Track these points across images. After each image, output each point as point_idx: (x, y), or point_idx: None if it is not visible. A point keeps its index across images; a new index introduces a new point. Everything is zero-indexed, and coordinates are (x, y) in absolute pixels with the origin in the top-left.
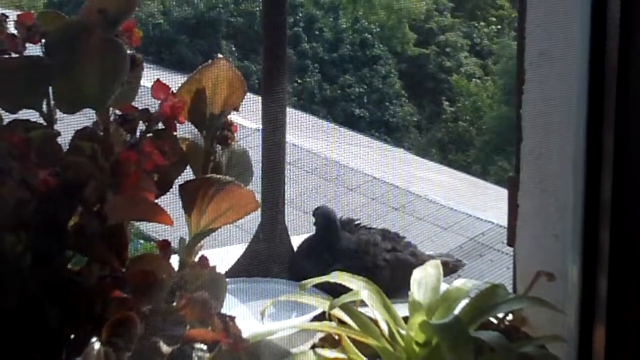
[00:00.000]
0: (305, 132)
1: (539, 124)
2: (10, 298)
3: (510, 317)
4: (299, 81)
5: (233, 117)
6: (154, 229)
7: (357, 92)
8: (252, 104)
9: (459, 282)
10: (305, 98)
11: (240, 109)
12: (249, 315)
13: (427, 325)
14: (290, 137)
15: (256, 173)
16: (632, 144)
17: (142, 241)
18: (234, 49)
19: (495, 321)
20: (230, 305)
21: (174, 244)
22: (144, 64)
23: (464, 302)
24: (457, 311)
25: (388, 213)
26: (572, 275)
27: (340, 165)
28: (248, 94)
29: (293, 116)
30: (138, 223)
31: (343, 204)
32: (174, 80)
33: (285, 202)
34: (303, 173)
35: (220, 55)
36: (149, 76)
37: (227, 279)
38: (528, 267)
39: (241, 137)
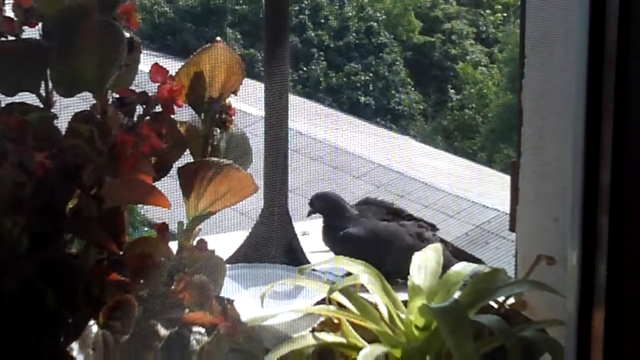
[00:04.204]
0: (310, 120)
1: (539, 107)
2: (8, 281)
3: (510, 301)
4: (305, 69)
5: (237, 103)
6: (157, 215)
7: (362, 80)
8: (258, 91)
9: (459, 266)
10: (311, 86)
11: (244, 96)
12: (251, 300)
13: (427, 309)
14: (295, 125)
15: (261, 160)
16: (630, 128)
17: (146, 228)
18: (239, 36)
19: (495, 305)
20: (233, 291)
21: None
22: (149, 52)
23: (464, 286)
24: (457, 295)
25: (394, 201)
26: (571, 259)
27: (346, 153)
28: (254, 81)
29: (298, 104)
30: (143, 210)
31: (349, 192)
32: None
33: (290, 189)
34: (308, 161)
35: (218, 39)
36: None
37: (229, 265)
38: (529, 251)
39: (246, 124)
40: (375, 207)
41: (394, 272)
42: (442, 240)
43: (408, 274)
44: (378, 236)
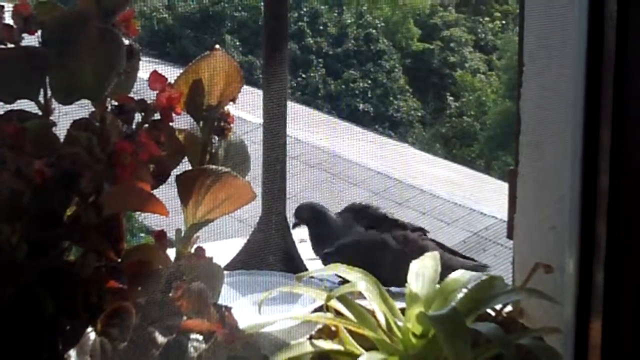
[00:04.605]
0: (309, 127)
1: (537, 115)
2: (6, 288)
3: (508, 308)
4: (303, 76)
5: (235, 110)
6: (155, 223)
7: (361, 87)
8: (256, 98)
9: (456, 274)
10: (310, 93)
11: (243, 103)
12: (249, 307)
13: (424, 317)
14: (293, 132)
15: (259, 167)
16: (629, 135)
17: (144, 235)
18: (238, 43)
19: (492, 313)
20: (230, 298)
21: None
22: (148, 58)
23: (461, 294)
24: (454, 303)
25: (392, 208)
26: (568, 267)
27: (344, 160)
28: (252, 88)
29: (297, 111)
30: (141, 217)
31: (346, 199)
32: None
33: (289, 196)
34: (306, 168)
35: (217, 46)
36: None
37: (227, 272)
38: (526, 259)
39: (245, 131)
40: (360, 214)
41: (384, 280)
42: (433, 241)
43: (397, 280)
44: (360, 248)
